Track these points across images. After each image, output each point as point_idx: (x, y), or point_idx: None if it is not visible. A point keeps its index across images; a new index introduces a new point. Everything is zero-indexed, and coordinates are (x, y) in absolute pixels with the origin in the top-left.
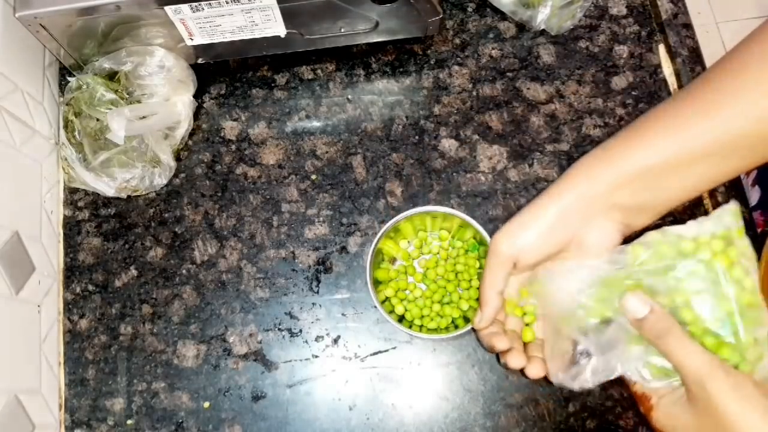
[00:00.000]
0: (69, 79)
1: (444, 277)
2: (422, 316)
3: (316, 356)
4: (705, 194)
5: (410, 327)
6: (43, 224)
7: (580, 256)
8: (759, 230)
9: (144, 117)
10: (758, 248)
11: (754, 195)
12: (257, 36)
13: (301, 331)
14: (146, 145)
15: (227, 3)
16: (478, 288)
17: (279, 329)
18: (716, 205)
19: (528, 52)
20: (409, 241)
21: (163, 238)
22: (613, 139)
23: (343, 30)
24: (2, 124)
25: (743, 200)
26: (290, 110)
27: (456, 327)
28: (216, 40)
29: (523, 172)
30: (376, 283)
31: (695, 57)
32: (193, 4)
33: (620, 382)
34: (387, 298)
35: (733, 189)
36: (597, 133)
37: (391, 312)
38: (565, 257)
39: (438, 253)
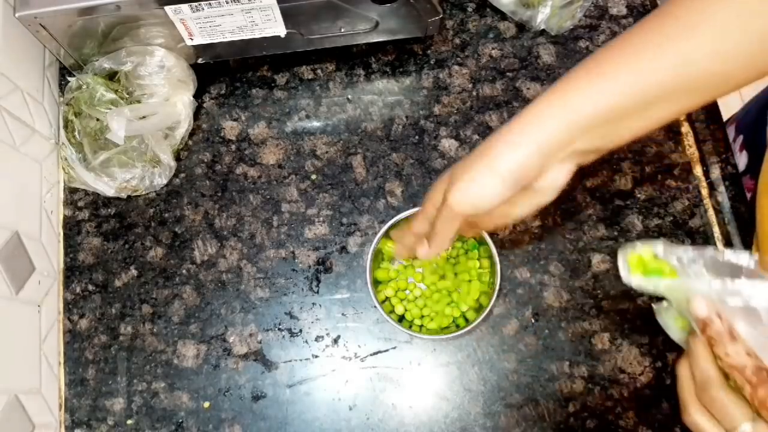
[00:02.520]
0: (69, 79)
1: (444, 277)
2: (422, 316)
3: (316, 356)
4: (705, 195)
5: (410, 327)
6: (43, 224)
7: (532, 199)
8: (748, 195)
9: (144, 117)
10: (750, 214)
11: (741, 160)
12: (257, 36)
13: (301, 331)
14: (146, 145)
15: (227, 3)
16: (479, 288)
17: (279, 329)
18: (716, 204)
19: (528, 52)
20: None
21: (163, 238)
22: (571, 75)
23: (343, 30)
24: (2, 124)
25: (742, 198)
26: (290, 110)
27: (457, 327)
28: (216, 40)
29: None
30: (376, 283)
31: None
32: (193, 4)
33: (620, 382)
34: (387, 298)
35: (733, 185)
36: None
37: (391, 312)
38: (511, 204)
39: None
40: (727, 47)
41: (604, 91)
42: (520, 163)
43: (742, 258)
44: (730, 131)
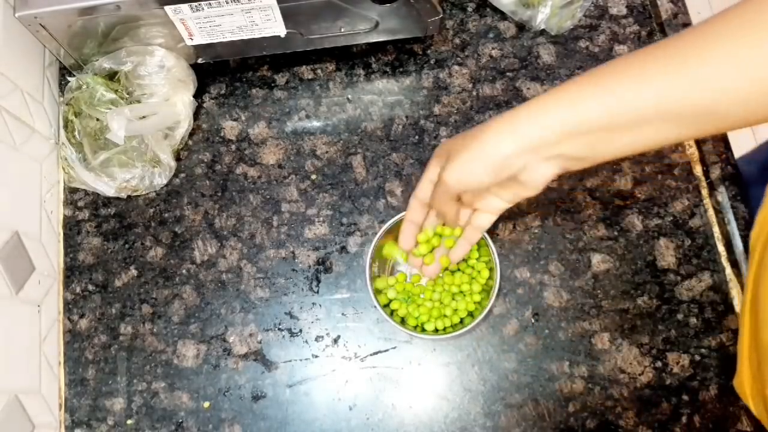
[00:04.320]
0: (69, 79)
1: (443, 278)
2: (419, 315)
3: (316, 356)
4: (705, 195)
5: (414, 328)
6: (43, 224)
7: (516, 189)
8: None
9: (144, 117)
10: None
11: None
12: (257, 36)
13: (301, 331)
14: (146, 145)
15: (227, 3)
16: (480, 289)
17: (279, 329)
18: (716, 204)
19: (528, 52)
20: None
21: (163, 238)
22: (572, 80)
23: (343, 30)
24: (2, 124)
25: (744, 197)
26: (290, 110)
27: (459, 324)
28: (216, 40)
29: None
30: (376, 283)
31: None
32: (193, 4)
33: (620, 382)
34: (389, 302)
35: (733, 185)
36: None
37: (392, 312)
38: (501, 187)
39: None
40: (725, 85)
41: (599, 101)
42: (504, 155)
43: None
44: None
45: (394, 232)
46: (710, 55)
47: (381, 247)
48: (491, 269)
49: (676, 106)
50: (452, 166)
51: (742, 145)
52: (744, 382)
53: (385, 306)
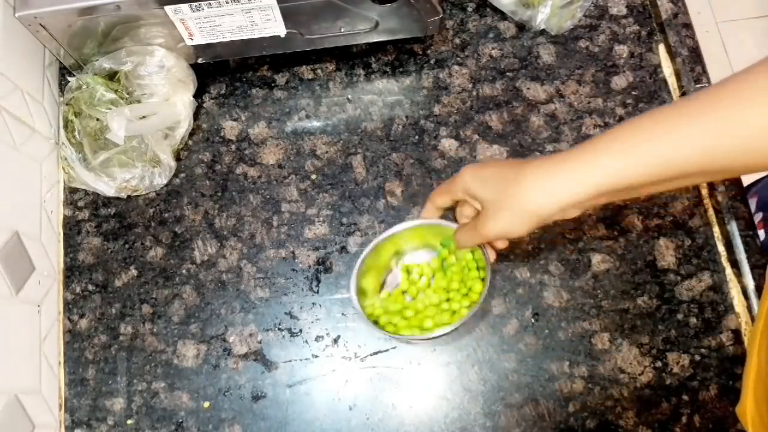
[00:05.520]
0: (69, 79)
1: (435, 291)
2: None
3: (316, 356)
4: (705, 194)
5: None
6: (43, 224)
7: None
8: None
9: (144, 117)
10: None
11: (761, 235)
12: (257, 36)
13: (301, 331)
14: (146, 145)
15: (227, 3)
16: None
17: (279, 329)
18: (716, 204)
19: (528, 51)
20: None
21: (163, 238)
22: (612, 136)
23: (343, 30)
24: (2, 124)
25: (742, 198)
26: (290, 110)
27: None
28: (216, 40)
29: None
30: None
31: (695, 57)
32: (193, 4)
33: (620, 382)
34: (377, 320)
35: (733, 185)
36: (597, 132)
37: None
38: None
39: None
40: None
41: (635, 163)
42: (547, 214)
43: None
44: (752, 203)
45: (375, 256)
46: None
47: (363, 276)
48: (483, 279)
49: (723, 161)
50: (493, 223)
51: None
52: (747, 413)
53: (375, 322)
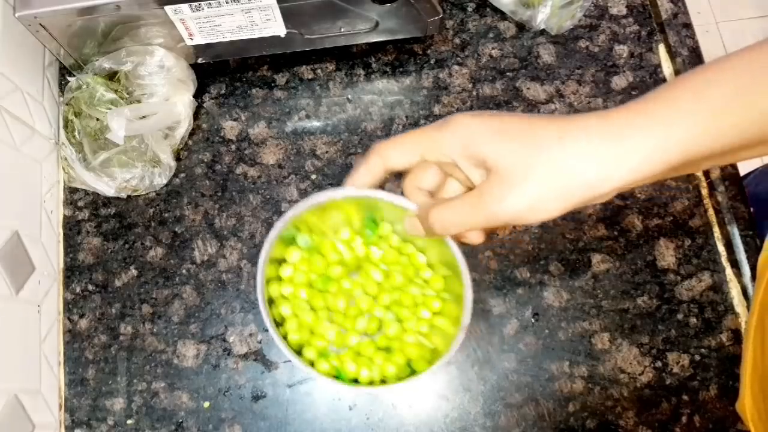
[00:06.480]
0: (69, 78)
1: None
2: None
3: None
4: (705, 195)
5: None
6: (43, 224)
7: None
8: None
9: (144, 117)
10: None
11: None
12: (257, 36)
13: None
14: (146, 144)
15: (227, 3)
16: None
17: None
18: (716, 204)
19: (528, 51)
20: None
21: (163, 238)
22: (688, 83)
23: (343, 30)
24: (2, 124)
25: (742, 198)
26: (290, 110)
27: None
28: (216, 39)
29: None
30: (271, 302)
31: (695, 57)
32: (193, 3)
33: (620, 382)
34: (300, 348)
35: (733, 185)
36: None
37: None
38: None
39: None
40: None
41: (739, 120)
42: (601, 193)
43: None
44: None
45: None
46: None
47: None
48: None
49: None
50: (514, 197)
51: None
52: (746, 410)
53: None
